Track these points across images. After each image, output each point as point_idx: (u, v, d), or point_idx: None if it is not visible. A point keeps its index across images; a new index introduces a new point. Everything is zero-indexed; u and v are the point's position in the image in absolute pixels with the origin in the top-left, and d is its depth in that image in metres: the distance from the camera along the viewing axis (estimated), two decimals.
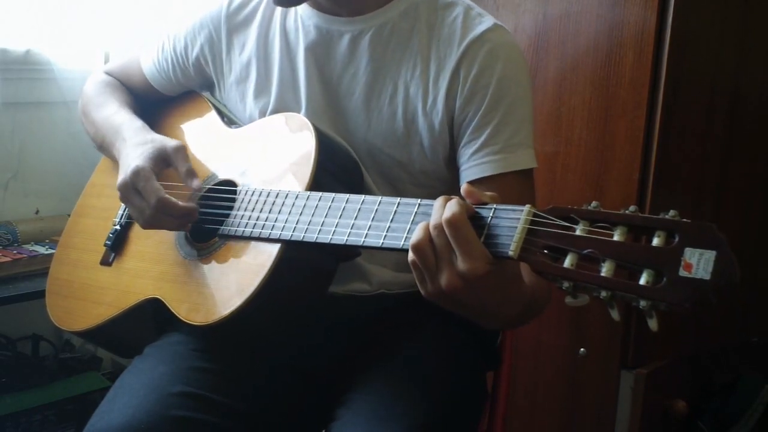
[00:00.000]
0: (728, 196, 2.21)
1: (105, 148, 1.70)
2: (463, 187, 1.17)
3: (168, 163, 1.52)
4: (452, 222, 1.11)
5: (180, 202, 1.44)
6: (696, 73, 2.07)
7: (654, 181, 2.01)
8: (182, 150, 1.52)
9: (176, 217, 1.45)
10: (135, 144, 1.55)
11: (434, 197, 1.50)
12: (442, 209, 1.14)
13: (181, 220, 1.46)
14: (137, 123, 1.64)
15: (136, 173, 1.46)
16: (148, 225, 1.48)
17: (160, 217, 1.45)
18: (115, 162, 1.63)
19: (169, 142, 1.53)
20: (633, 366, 2.09)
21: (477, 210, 1.14)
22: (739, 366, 2.31)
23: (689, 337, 2.15)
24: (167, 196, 1.44)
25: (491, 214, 1.13)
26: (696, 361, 2.23)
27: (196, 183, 1.49)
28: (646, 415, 2.08)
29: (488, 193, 1.16)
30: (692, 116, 2.08)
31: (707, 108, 2.12)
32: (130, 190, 1.47)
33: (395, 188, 1.55)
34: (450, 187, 1.55)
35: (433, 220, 1.14)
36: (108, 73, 1.85)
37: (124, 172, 1.48)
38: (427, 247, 1.13)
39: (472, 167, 1.48)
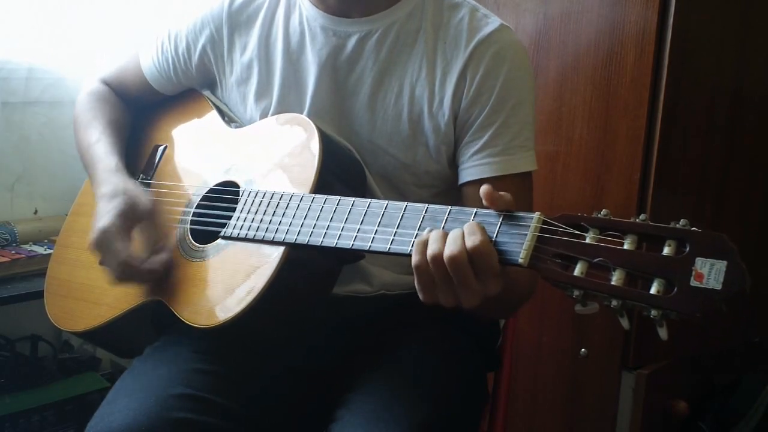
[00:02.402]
0: (729, 196, 2.22)
1: (88, 175, 1.69)
2: (484, 189, 1.16)
3: (136, 222, 1.50)
4: (478, 251, 1.11)
5: (142, 266, 1.44)
6: (697, 72, 2.07)
7: (655, 181, 2.02)
8: (151, 214, 1.50)
9: (139, 277, 1.45)
10: (108, 195, 1.51)
11: (437, 197, 1.52)
12: (441, 242, 1.14)
13: (146, 278, 1.45)
14: (111, 163, 1.60)
15: (102, 232, 1.44)
16: (117, 284, 1.47)
17: (126, 277, 1.44)
18: None
19: (142, 202, 1.50)
20: (634, 366, 2.10)
21: (486, 215, 1.15)
22: (740, 366, 2.32)
23: (690, 338, 2.15)
24: (128, 258, 1.42)
25: (500, 221, 1.13)
26: (697, 362, 2.24)
27: (146, 267, 1.46)
28: (647, 416, 2.08)
29: (503, 194, 1.16)
30: (693, 116, 2.08)
31: (708, 107, 2.12)
32: (98, 249, 1.45)
33: (398, 189, 1.55)
34: (453, 187, 1.55)
35: (453, 250, 1.13)
36: (103, 80, 1.82)
37: (93, 231, 1.46)
38: (433, 271, 1.15)
39: (471, 167, 1.50)
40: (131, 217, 1.48)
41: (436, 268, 1.14)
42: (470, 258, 1.12)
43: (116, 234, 1.44)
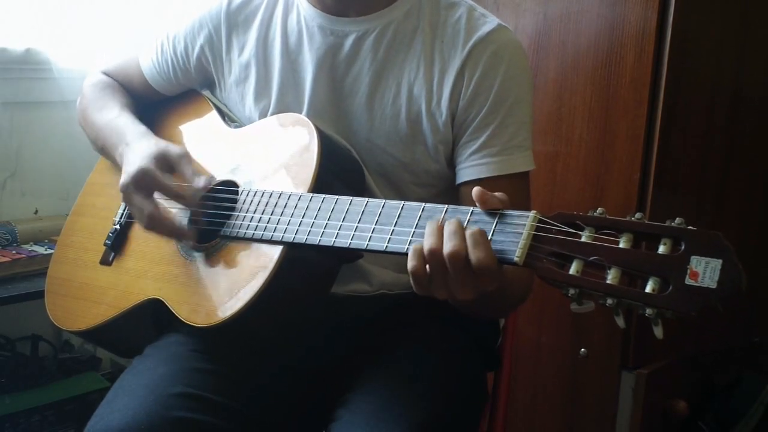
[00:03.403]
0: (729, 196, 2.22)
1: (106, 152, 1.69)
2: (475, 190, 1.17)
3: (171, 168, 1.49)
4: (483, 266, 1.11)
5: (178, 224, 1.45)
6: (697, 72, 2.07)
7: (655, 181, 2.02)
8: (186, 155, 1.50)
9: (187, 202, 1.46)
10: (139, 148, 1.52)
11: (437, 196, 1.52)
12: (436, 236, 1.15)
13: (193, 203, 1.46)
14: (141, 128, 1.62)
15: (143, 172, 1.44)
16: (150, 225, 1.46)
17: (162, 219, 1.45)
18: (116, 164, 1.62)
19: (174, 147, 1.51)
20: (633, 366, 2.10)
21: (482, 214, 1.15)
22: (739, 366, 2.32)
23: (690, 338, 2.16)
24: (177, 188, 1.44)
25: (496, 220, 1.13)
26: (696, 362, 2.24)
27: (202, 181, 1.46)
28: (647, 416, 2.08)
29: (498, 194, 1.17)
30: (693, 116, 2.08)
31: (708, 107, 2.12)
32: (132, 189, 1.45)
33: (397, 188, 1.55)
34: (453, 187, 1.55)
35: (449, 248, 1.13)
36: (106, 74, 1.83)
37: (126, 173, 1.47)
38: (430, 264, 1.15)
39: (468, 167, 1.50)
40: (166, 161, 1.48)
41: (434, 262, 1.15)
42: (474, 267, 1.12)
43: (156, 171, 1.45)
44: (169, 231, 1.48)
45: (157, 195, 1.46)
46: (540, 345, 2.27)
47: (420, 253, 1.15)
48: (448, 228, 1.15)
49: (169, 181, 1.46)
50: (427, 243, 1.15)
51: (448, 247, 1.13)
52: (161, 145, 1.51)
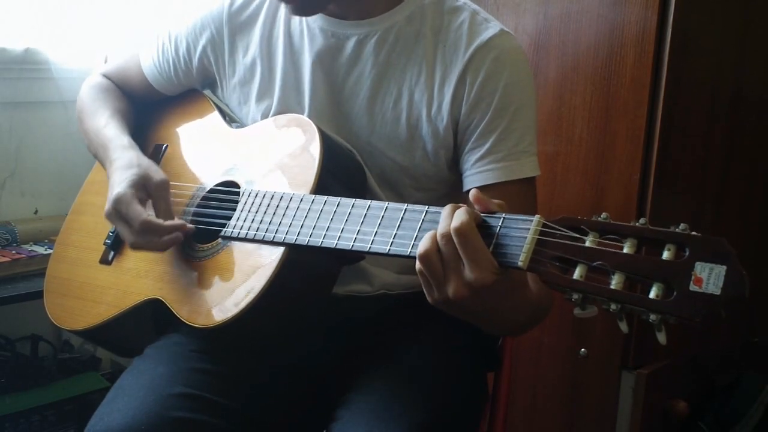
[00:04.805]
0: (729, 196, 2.22)
1: (98, 161, 1.70)
2: (472, 192, 1.17)
3: (149, 195, 1.50)
4: (461, 231, 1.10)
5: (164, 222, 1.43)
6: (697, 72, 2.06)
7: (655, 181, 2.01)
8: (164, 186, 1.49)
9: (163, 235, 1.43)
10: (120, 168, 1.52)
11: (436, 200, 1.52)
12: (450, 218, 1.13)
13: (169, 237, 1.44)
14: (124, 141, 1.62)
15: (118, 200, 1.44)
16: (137, 247, 1.46)
17: (147, 239, 1.44)
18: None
19: (155, 175, 1.50)
20: (634, 366, 2.09)
21: (485, 219, 1.14)
22: (739, 366, 2.32)
23: (690, 338, 2.16)
24: (149, 218, 1.42)
25: (500, 224, 1.13)
26: (697, 362, 2.24)
27: (169, 223, 1.45)
28: (647, 416, 2.08)
29: (496, 201, 1.16)
30: (693, 116, 2.08)
31: (708, 108, 2.12)
32: (115, 217, 1.46)
33: (397, 192, 1.55)
34: (452, 190, 1.55)
35: (441, 229, 1.13)
36: (105, 75, 1.83)
37: (108, 201, 1.47)
38: (434, 255, 1.13)
39: (475, 174, 1.49)
40: (145, 187, 1.48)
41: (444, 243, 1.13)
42: (454, 238, 1.11)
43: (133, 198, 1.45)
44: (159, 249, 1.48)
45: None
46: (540, 345, 2.27)
47: (433, 235, 1.15)
48: (459, 210, 1.14)
49: (143, 213, 1.45)
50: (441, 226, 1.14)
51: (455, 222, 1.12)
52: (142, 169, 1.51)
